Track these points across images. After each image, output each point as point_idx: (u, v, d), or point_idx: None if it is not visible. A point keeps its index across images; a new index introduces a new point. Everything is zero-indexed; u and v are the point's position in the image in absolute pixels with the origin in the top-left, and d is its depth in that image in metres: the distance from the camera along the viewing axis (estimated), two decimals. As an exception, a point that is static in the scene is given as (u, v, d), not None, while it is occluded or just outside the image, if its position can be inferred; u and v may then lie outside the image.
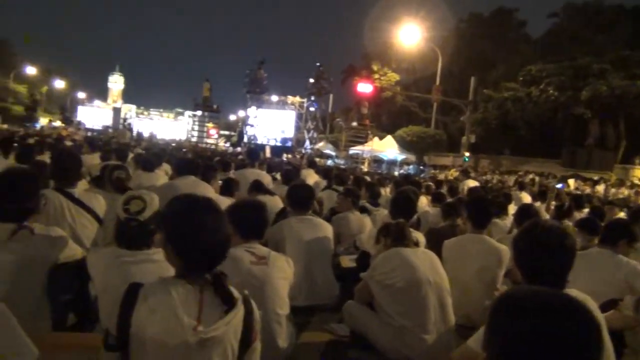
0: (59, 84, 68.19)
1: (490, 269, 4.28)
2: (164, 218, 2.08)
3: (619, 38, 37.01)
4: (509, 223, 6.20)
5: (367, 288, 3.55)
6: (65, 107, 61.53)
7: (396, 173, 26.31)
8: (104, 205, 3.90)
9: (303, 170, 10.43)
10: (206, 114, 53.96)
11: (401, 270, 3.38)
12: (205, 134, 53.69)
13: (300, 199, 4.72)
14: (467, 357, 2.41)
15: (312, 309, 4.22)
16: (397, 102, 48.18)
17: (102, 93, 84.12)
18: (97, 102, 79.64)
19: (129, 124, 38.90)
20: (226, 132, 67.36)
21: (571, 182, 23.96)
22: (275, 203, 5.94)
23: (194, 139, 52.64)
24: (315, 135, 45.55)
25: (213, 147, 43.84)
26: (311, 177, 9.42)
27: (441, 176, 24.31)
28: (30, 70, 58.92)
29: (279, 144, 43.04)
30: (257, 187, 6.18)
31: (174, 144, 34.00)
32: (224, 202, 3.83)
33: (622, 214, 9.20)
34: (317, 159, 26.45)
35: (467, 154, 32.33)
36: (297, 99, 46.41)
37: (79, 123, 44.52)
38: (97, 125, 53.87)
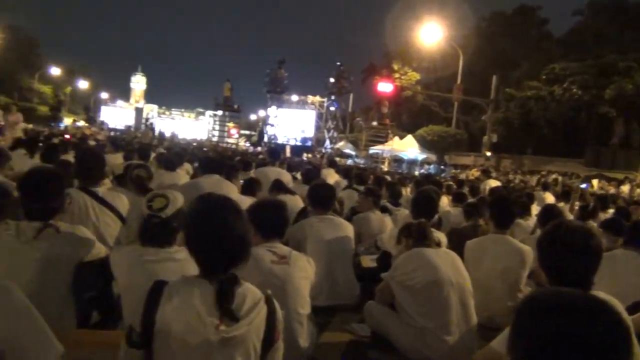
0: (83, 84, 69.24)
1: (513, 270, 4.23)
2: (185, 217, 2.10)
3: (644, 36, 36.33)
4: (532, 223, 6.13)
5: (388, 288, 3.54)
6: (89, 107, 62.32)
7: (417, 173, 26.15)
8: (127, 204, 3.95)
9: (323, 170, 10.44)
10: (227, 113, 54.18)
11: (423, 270, 3.36)
12: (226, 134, 53.94)
13: (322, 199, 4.72)
14: None
15: (333, 309, 4.22)
16: (417, 101, 47.89)
17: (124, 93, 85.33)
18: (119, 102, 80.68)
19: (151, 124, 39.28)
20: (247, 132, 67.66)
21: (595, 182, 23.59)
22: (296, 202, 5.95)
23: (215, 139, 52.90)
24: (335, 134, 45.50)
25: (234, 146, 44.03)
26: (331, 177, 9.42)
27: (462, 176, 24.08)
28: (55, 71, 59.87)
29: (299, 143, 43.07)
30: (278, 186, 6.20)
31: (194, 144, 34.23)
32: (246, 202, 3.85)
33: (648, 215, 9.02)
34: (337, 159, 26.44)
35: (488, 153, 32.03)
36: (317, 98, 46.37)
37: (102, 123, 45.09)
38: (120, 125, 54.47)
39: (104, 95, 78.06)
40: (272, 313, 1.97)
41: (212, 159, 6.90)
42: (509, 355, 1.22)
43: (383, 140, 35.78)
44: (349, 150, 39.90)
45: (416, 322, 3.33)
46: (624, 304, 2.63)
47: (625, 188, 22.24)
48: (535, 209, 7.04)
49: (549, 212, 5.16)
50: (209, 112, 71.35)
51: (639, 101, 29.91)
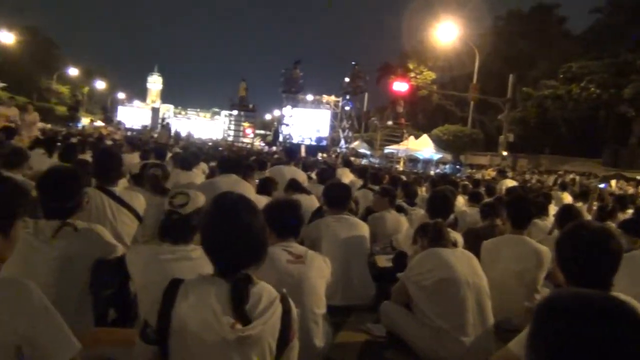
0: (100, 84, 70.00)
1: (531, 271, 4.19)
2: (202, 215, 2.12)
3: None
4: (549, 224, 6.06)
5: (404, 288, 3.53)
6: (106, 108, 63.04)
7: (432, 172, 26.04)
8: (144, 204, 3.97)
9: (338, 170, 10.41)
10: (242, 113, 54.47)
11: (439, 270, 3.35)
12: (241, 133, 54.22)
13: (337, 198, 4.72)
14: (507, 361, 2.35)
15: (349, 309, 4.22)
16: (433, 100, 47.70)
17: (141, 93, 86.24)
18: (136, 103, 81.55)
19: (168, 124, 39.58)
20: (262, 132, 67.90)
21: (613, 182, 23.30)
22: (312, 202, 5.95)
23: (230, 138, 53.21)
24: (350, 134, 45.44)
25: (249, 146, 44.21)
26: (346, 176, 9.39)
27: (478, 175, 23.92)
28: (73, 72, 60.56)
29: (314, 143, 43.07)
30: (294, 185, 6.20)
31: (210, 143, 34.41)
32: (262, 201, 3.86)
33: (668, 215, 8.88)
34: (352, 158, 26.38)
35: (504, 153, 31.77)
36: (333, 98, 46.35)
37: (119, 123, 45.48)
38: (137, 125, 54.98)
39: (121, 95, 78.95)
40: (287, 312, 1.96)
41: (230, 158, 6.92)
42: (527, 358, 1.20)
43: (398, 139, 35.69)
44: (364, 149, 39.86)
45: (432, 322, 3.31)
46: (643, 306, 2.59)
47: (644, 188, 21.94)
48: (552, 209, 6.97)
49: (567, 213, 5.10)
50: (225, 112, 71.85)
51: (659, 100, 29.52)
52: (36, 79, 54.22)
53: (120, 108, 74.90)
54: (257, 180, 6.48)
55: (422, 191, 9.11)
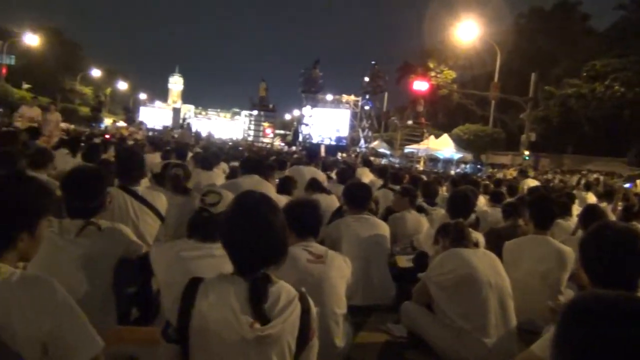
0: (122, 85, 70.84)
1: (554, 272, 4.14)
2: (224, 214, 2.12)
3: (691, 31, 35.07)
4: (572, 224, 5.98)
5: (425, 289, 3.50)
6: (128, 108, 63.81)
7: (452, 172, 25.85)
8: (166, 203, 4.00)
9: (358, 169, 10.40)
10: (262, 113, 54.74)
11: (460, 271, 3.32)
12: (261, 133, 54.49)
13: (358, 198, 4.71)
14: (530, 363, 2.32)
15: (369, 309, 4.21)
16: (453, 99, 47.35)
17: (162, 94, 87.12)
18: (157, 103, 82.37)
19: (188, 124, 39.95)
20: (281, 131, 68.14)
21: (638, 182, 22.87)
22: (332, 202, 5.95)
23: (250, 138, 53.48)
24: (370, 134, 45.42)
25: (269, 146, 44.38)
26: (366, 176, 9.37)
27: (499, 175, 23.68)
28: (96, 73, 61.40)
29: (333, 142, 43.13)
30: (314, 185, 6.21)
31: (230, 143, 34.60)
32: (282, 201, 3.86)
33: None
34: (372, 158, 26.33)
35: (526, 152, 31.39)
36: (352, 97, 46.35)
37: (141, 123, 46.03)
38: (158, 126, 55.53)
39: (143, 96, 79.86)
40: (306, 311, 1.96)
41: (252, 159, 6.95)
42: (553, 361, 1.18)
43: (418, 139, 35.54)
44: (383, 149, 39.76)
45: (454, 323, 3.28)
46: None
47: (671, 188, 21.51)
48: (576, 210, 6.87)
49: (591, 213, 5.03)
50: (245, 112, 72.18)
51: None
52: (60, 80, 55.11)
53: (142, 108, 75.77)
54: (277, 180, 6.49)
55: (443, 191, 9.05)
